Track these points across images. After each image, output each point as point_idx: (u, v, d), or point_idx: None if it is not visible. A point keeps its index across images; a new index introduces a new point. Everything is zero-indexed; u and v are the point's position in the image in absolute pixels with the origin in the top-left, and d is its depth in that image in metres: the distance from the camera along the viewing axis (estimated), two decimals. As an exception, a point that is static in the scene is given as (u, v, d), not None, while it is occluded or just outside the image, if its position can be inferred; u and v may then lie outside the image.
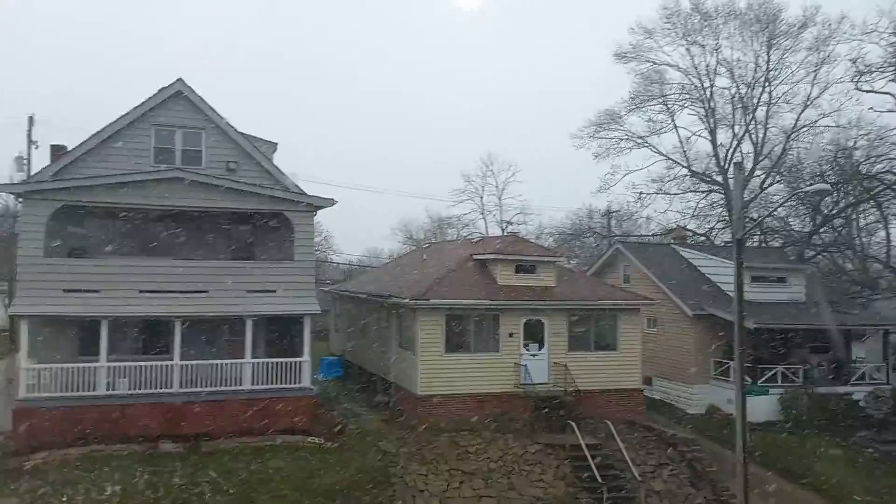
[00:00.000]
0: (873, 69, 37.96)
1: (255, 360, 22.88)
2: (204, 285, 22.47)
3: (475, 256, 28.84)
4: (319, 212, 24.25)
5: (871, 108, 44.51)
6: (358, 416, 26.18)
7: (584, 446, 22.73)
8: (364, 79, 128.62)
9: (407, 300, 25.38)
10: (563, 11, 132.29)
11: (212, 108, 23.84)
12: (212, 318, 23.17)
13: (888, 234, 43.73)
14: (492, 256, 27.90)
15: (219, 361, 22.70)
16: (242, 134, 24.39)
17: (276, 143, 26.75)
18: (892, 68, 37.08)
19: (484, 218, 65.31)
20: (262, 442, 21.40)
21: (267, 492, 18.77)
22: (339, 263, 66.54)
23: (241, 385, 22.58)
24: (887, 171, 39.77)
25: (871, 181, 40.01)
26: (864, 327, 33.25)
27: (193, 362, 22.14)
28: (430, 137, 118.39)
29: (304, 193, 23.99)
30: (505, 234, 51.70)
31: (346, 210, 29.93)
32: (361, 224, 79.73)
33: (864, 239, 46.95)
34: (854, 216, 45.39)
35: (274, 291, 23.13)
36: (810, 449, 26.30)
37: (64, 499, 17.34)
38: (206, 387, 22.15)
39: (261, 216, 24.43)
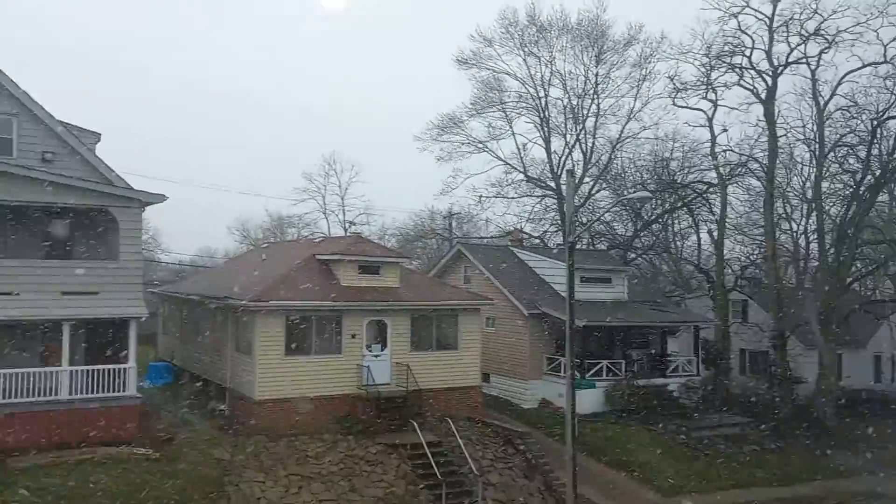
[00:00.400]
0: (688, 87, 41.32)
1: (74, 368, 21.13)
2: (13, 286, 20.42)
3: (318, 257, 28.39)
4: (148, 208, 22.81)
5: (685, 123, 48.89)
6: (190, 424, 24.88)
7: (424, 444, 23.05)
8: (199, 75, 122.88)
9: (245, 302, 24.49)
10: (415, 15, 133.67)
11: (26, 93, 21.73)
12: (23, 322, 21.16)
13: (699, 239, 47.99)
14: (335, 257, 27.58)
15: (31, 370, 20.71)
16: (62, 123, 22.45)
17: (99, 134, 24.84)
18: (704, 87, 40.63)
19: (326, 218, 64.49)
20: (83, 455, 19.75)
21: (87, 509, 17.39)
22: (168, 263, 63.19)
23: (58, 394, 20.76)
24: (699, 181, 43.57)
25: (685, 190, 43.65)
26: (677, 324, 36.18)
27: (1, 371, 20.08)
28: (271, 136, 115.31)
29: (131, 188, 22.48)
30: (348, 234, 51.33)
31: (177, 207, 28.46)
32: (194, 222, 76.00)
33: (678, 243, 51.23)
34: (670, 222, 49.35)
35: (96, 293, 21.47)
36: (631, 437, 28.26)
37: None
38: (17, 397, 20.17)
39: (82, 212, 22.60)
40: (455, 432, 24.27)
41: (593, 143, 49.45)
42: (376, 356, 26.26)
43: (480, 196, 51.57)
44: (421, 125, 78.70)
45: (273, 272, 28.32)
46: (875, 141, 36.39)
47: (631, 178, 48.17)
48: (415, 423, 23.92)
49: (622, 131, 48.68)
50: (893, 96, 35.79)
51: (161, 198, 22.53)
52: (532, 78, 48.87)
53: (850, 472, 29.24)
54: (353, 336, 25.98)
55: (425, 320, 27.64)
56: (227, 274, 34.45)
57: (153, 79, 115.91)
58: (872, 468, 29.63)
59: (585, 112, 48.84)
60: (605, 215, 45.87)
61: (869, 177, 37.04)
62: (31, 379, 20.57)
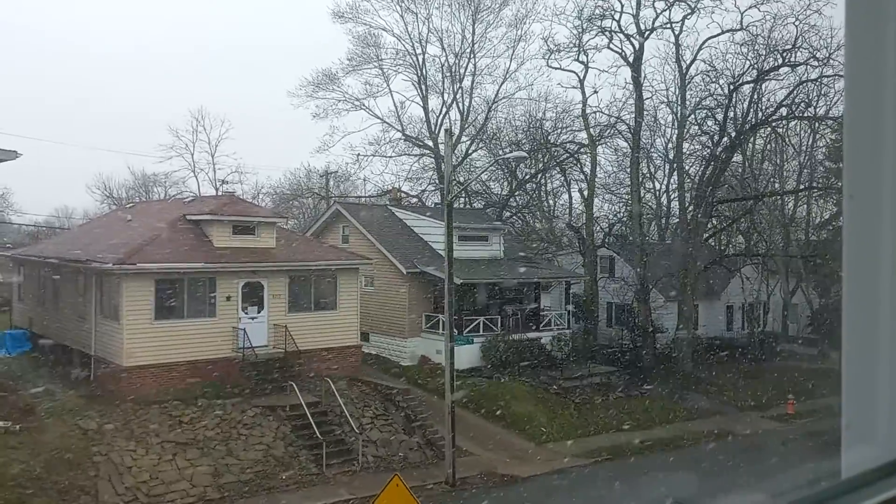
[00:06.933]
0: (561, 48, 42.19)
1: (-84, 339, 19.50)
2: None
3: (188, 217, 27.29)
4: (-2, 165, 21.11)
5: (559, 84, 50.28)
6: (52, 395, 23.60)
7: (303, 405, 22.97)
8: (54, 26, 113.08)
9: (110, 265, 23.28)
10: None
11: None
12: None
13: (570, 197, 49.88)
14: (207, 217, 26.62)
15: None
16: None
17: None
18: (576, 49, 41.66)
19: (196, 176, 61.88)
20: (-70, 433, 18.42)
21: (-63, 489, 16.25)
22: (21, 224, 58.91)
23: None
24: (570, 141, 45.01)
25: (558, 150, 45.01)
26: (550, 280, 37.59)
27: None
28: (133, 88, 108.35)
29: (-23, 144, 20.66)
30: (220, 193, 49.56)
31: (28, 165, 26.47)
32: (49, 181, 70.95)
33: (551, 201, 52.97)
34: (543, 181, 50.86)
35: (-61, 258, 19.79)
36: (506, 390, 29.30)
37: None
38: None
39: (-82, 169, 20.59)
40: (335, 392, 24.32)
41: (470, 103, 49.95)
42: (253, 318, 25.74)
43: (358, 154, 51.16)
44: (296, 80, 76.38)
45: (140, 233, 27.04)
46: (731, 104, 38.73)
47: (506, 137, 49.11)
48: (294, 385, 23.76)
49: (498, 91, 49.39)
50: (748, 62, 38.21)
51: (13, 154, 20.85)
52: (409, 34, 48.53)
53: (704, 413, 31.68)
54: (228, 298, 25.32)
55: (303, 281, 27.31)
56: (90, 235, 32.56)
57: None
58: (723, 409, 32.30)
59: (462, 71, 49.12)
60: (482, 174, 46.61)
61: (725, 138, 39.48)
62: None
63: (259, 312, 26.00)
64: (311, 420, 22.51)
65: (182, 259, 24.55)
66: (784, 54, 37.14)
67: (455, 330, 26.85)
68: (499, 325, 33.46)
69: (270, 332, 26.03)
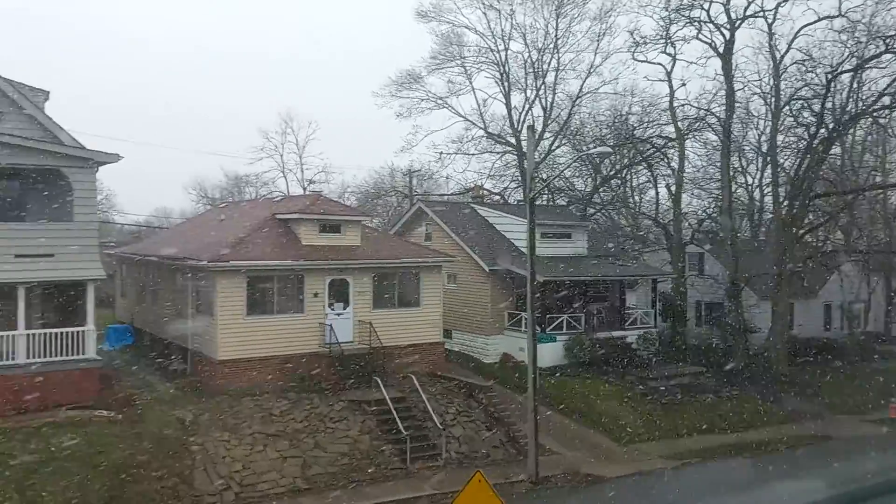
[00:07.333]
0: (647, 41, 41.13)
1: (31, 332, 20.87)
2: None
3: (277, 216, 28.16)
4: (101, 168, 22.32)
5: (645, 77, 49.21)
6: (151, 386, 24.84)
7: (388, 400, 23.33)
8: (156, 34, 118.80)
9: (205, 263, 24.27)
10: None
11: (-34, 49, 20.90)
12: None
13: (657, 193, 48.58)
14: (295, 216, 27.40)
15: (-14, 334, 20.41)
16: (6, 79, 21.66)
17: (47, 91, 24.06)
18: (663, 41, 40.58)
19: (284, 176, 63.67)
20: (43, 419, 19.64)
21: (51, 473, 17.32)
22: (123, 224, 62.21)
23: (15, 359, 20.52)
24: (657, 136, 43.89)
25: (644, 145, 43.98)
26: (635, 277, 36.81)
27: (-46, 337, 19.75)
28: (225, 93, 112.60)
29: (84, 148, 21.92)
30: (307, 193, 50.89)
31: (131, 167, 27.90)
32: (149, 182, 74.50)
33: (636, 197, 51.82)
34: (628, 177, 49.81)
35: (52, 255, 21.08)
36: (590, 388, 28.91)
37: None
38: (-29, 363, 19.88)
39: (34, 173, 21.98)
40: (418, 388, 24.59)
41: (553, 99, 49.37)
42: (339, 314, 26.33)
43: (441, 153, 51.42)
44: (380, 80, 77.37)
45: (232, 232, 28.06)
46: (829, 94, 36.88)
47: (590, 133, 48.33)
48: (378, 380, 24.17)
49: (582, 86, 48.64)
50: (847, 50, 36.32)
51: (115, 157, 22.05)
52: (492, 32, 48.40)
53: (800, 417, 30.41)
54: (315, 295, 25.98)
55: (387, 278, 27.73)
56: (186, 234, 34.03)
57: (94, 37, 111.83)
58: (820, 412, 30.90)
59: (546, 67, 48.59)
60: (565, 171, 46.06)
61: (822, 130, 37.63)
62: (-13, 344, 20.30)
63: (345, 309, 26.57)
64: (396, 415, 22.85)
65: (272, 257, 25.35)
66: (887, 40, 35.16)
67: (538, 327, 26.67)
68: (582, 322, 33.02)
69: (356, 328, 26.56)
